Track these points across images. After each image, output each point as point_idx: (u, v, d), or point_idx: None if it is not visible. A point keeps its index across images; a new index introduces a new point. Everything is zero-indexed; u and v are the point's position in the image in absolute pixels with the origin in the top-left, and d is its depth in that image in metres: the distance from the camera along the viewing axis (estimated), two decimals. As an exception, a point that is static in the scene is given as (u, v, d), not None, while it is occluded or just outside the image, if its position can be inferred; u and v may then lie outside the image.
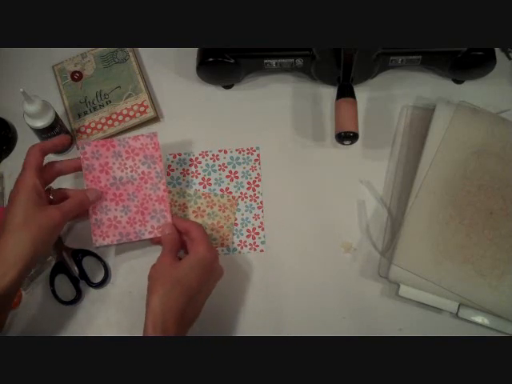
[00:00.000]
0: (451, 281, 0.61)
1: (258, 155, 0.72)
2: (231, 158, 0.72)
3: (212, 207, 0.69)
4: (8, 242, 0.55)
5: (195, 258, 0.58)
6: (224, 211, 0.68)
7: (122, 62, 0.77)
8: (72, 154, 0.73)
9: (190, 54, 0.72)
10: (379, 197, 0.69)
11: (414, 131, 0.71)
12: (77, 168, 0.64)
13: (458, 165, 0.66)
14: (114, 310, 0.65)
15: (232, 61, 0.70)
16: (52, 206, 0.59)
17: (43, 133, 0.68)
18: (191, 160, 0.72)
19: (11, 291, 0.56)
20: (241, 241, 0.67)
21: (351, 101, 0.66)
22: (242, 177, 0.71)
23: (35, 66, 0.79)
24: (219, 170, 0.71)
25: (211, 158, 0.72)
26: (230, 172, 0.71)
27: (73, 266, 0.66)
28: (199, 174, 0.71)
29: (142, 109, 0.74)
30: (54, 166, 0.63)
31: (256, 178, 0.70)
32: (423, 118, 0.71)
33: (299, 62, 0.71)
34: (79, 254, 0.66)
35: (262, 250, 0.67)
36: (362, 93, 0.72)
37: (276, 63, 0.71)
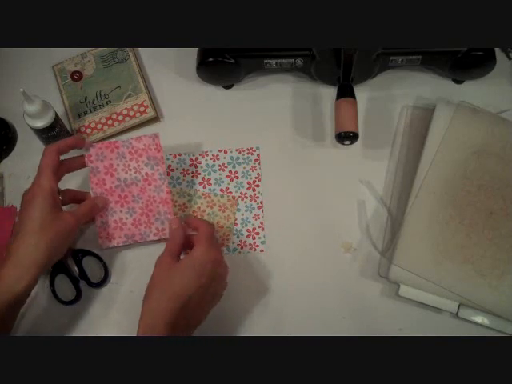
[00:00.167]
0: (451, 281, 0.61)
1: (258, 155, 0.72)
2: (231, 158, 0.72)
3: (212, 207, 0.69)
4: (24, 246, 0.56)
5: (190, 259, 0.57)
6: (224, 211, 0.68)
7: (122, 62, 0.77)
8: (72, 154, 0.73)
9: (190, 54, 0.72)
10: (379, 197, 0.69)
11: (414, 131, 0.71)
12: (83, 165, 0.65)
13: (458, 165, 0.66)
14: (114, 310, 0.65)
15: (232, 61, 0.70)
16: (67, 211, 0.60)
17: (43, 133, 0.68)
18: (191, 160, 0.72)
19: (25, 295, 0.56)
20: (241, 241, 0.67)
21: (351, 101, 0.66)
22: (242, 177, 0.71)
23: (35, 66, 0.79)
24: (219, 170, 0.71)
25: (211, 158, 0.72)
26: (230, 172, 0.71)
27: (73, 266, 0.66)
28: (199, 174, 0.71)
29: (141, 109, 0.74)
30: (63, 164, 0.63)
31: (256, 177, 0.70)
32: (423, 118, 0.71)
33: (299, 62, 0.71)
34: (79, 254, 0.66)
35: (262, 250, 0.67)
36: (362, 93, 0.72)
37: (276, 63, 0.71)
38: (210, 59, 0.70)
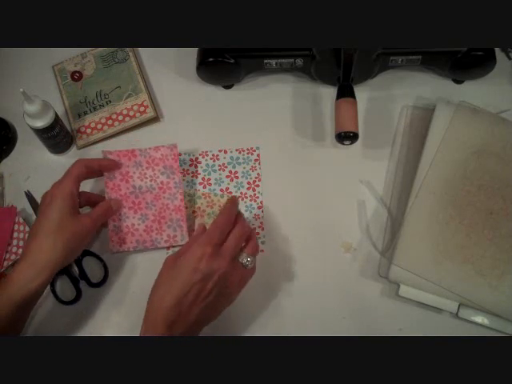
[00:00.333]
0: (451, 281, 0.61)
1: (258, 155, 0.72)
2: (231, 158, 0.72)
3: (212, 207, 0.69)
4: (42, 246, 0.57)
5: (185, 256, 0.56)
6: (224, 211, 0.68)
7: (122, 62, 0.77)
8: (72, 154, 0.73)
9: (190, 54, 0.72)
10: (379, 197, 0.69)
11: (414, 131, 0.71)
12: (101, 174, 0.66)
13: (458, 165, 0.66)
14: (114, 310, 0.65)
15: (232, 61, 0.70)
16: (83, 214, 0.61)
17: (43, 133, 0.68)
18: (191, 160, 0.72)
19: (38, 294, 0.57)
20: (241, 241, 0.67)
21: (351, 101, 0.66)
22: (242, 177, 0.71)
23: (35, 66, 0.79)
24: (219, 170, 0.71)
25: (211, 158, 0.72)
26: (230, 172, 0.71)
27: (73, 266, 0.66)
28: (199, 174, 0.71)
29: (142, 109, 0.74)
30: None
31: (256, 178, 0.70)
32: (423, 118, 0.71)
33: (299, 61, 0.71)
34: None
35: (262, 250, 0.67)
36: (362, 93, 0.72)
37: (276, 63, 0.71)
38: (210, 59, 0.70)
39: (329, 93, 0.74)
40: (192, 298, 0.55)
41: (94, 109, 0.75)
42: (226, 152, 0.72)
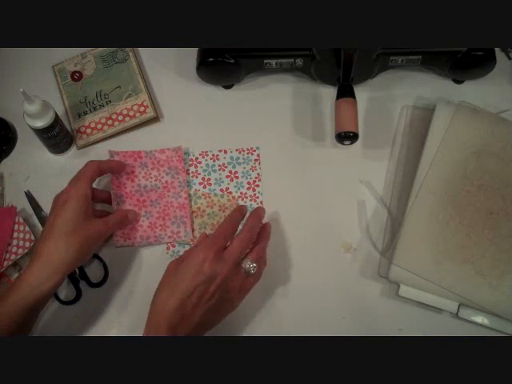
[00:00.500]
0: (451, 281, 0.61)
1: (258, 155, 0.72)
2: (231, 158, 0.72)
3: (212, 207, 0.69)
4: (55, 248, 0.57)
5: (189, 259, 0.56)
6: (224, 211, 0.68)
7: (122, 62, 0.77)
8: (72, 154, 0.73)
9: (190, 54, 0.72)
10: (379, 197, 0.69)
11: (413, 131, 0.71)
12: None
13: (458, 165, 0.66)
14: (114, 310, 0.65)
15: (232, 61, 0.70)
16: (98, 218, 0.62)
17: (43, 133, 0.68)
18: (191, 160, 0.72)
19: (49, 296, 0.58)
20: (241, 241, 0.67)
21: (351, 101, 0.66)
22: (242, 177, 0.71)
23: (35, 66, 0.79)
24: (219, 170, 0.71)
25: (211, 158, 0.72)
26: (230, 172, 0.71)
27: (73, 266, 0.66)
28: (199, 174, 0.71)
29: (142, 109, 0.74)
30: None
31: (256, 177, 0.70)
32: (423, 118, 0.71)
33: (299, 61, 0.71)
34: (79, 254, 0.66)
35: (262, 250, 0.67)
36: (362, 93, 0.72)
37: (276, 63, 0.71)
38: (210, 59, 0.70)
39: (329, 93, 0.74)
40: (195, 300, 0.55)
41: (94, 109, 0.75)
42: (226, 152, 0.72)
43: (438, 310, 0.62)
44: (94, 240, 0.60)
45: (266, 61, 0.71)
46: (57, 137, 0.69)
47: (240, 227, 0.61)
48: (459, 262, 0.62)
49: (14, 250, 0.65)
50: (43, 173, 0.72)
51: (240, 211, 0.62)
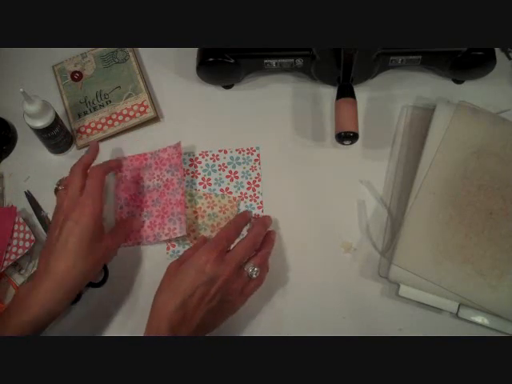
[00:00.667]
0: (451, 281, 0.61)
1: (258, 155, 0.72)
2: (231, 158, 0.72)
3: (213, 208, 0.69)
4: (69, 269, 0.56)
5: (191, 260, 0.57)
6: (224, 213, 0.68)
7: (122, 62, 0.77)
8: (72, 154, 0.73)
9: (190, 54, 0.72)
10: (379, 197, 0.69)
11: (413, 131, 0.71)
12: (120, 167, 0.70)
13: (458, 165, 0.66)
14: (115, 310, 0.65)
15: (232, 61, 0.70)
16: (108, 234, 0.62)
17: (43, 133, 0.68)
18: (191, 160, 0.72)
19: (61, 313, 0.58)
20: (241, 241, 0.67)
21: (351, 101, 0.66)
22: (242, 177, 0.71)
23: (35, 66, 0.79)
24: (219, 170, 0.71)
25: (211, 158, 0.72)
26: (230, 172, 0.71)
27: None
28: (199, 174, 0.71)
29: (142, 109, 0.74)
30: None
31: (256, 177, 0.70)
32: (423, 118, 0.71)
33: (299, 62, 0.71)
34: (79, 254, 0.66)
35: (261, 250, 0.67)
36: (362, 93, 0.72)
37: (276, 63, 0.71)
38: (210, 59, 0.70)
39: (329, 93, 0.74)
40: (196, 300, 0.55)
41: (94, 109, 0.75)
42: (225, 152, 0.72)
43: (438, 310, 0.62)
44: (105, 259, 0.63)
45: (266, 61, 0.71)
46: (57, 137, 0.69)
47: (243, 233, 0.62)
48: (459, 262, 0.62)
49: (14, 250, 0.65)
50: (43, 173, 0.72)
51: (244, 216, 0.63)
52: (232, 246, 0.59)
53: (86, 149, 0.73)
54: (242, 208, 0.69)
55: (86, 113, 0.75)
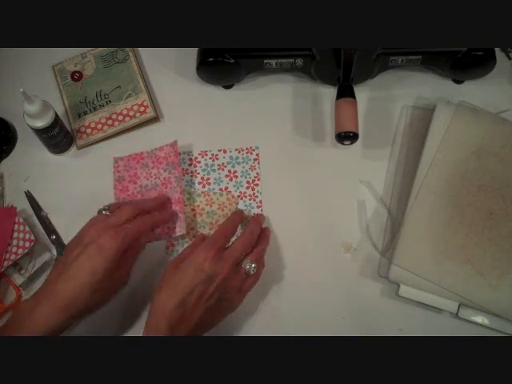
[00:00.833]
0: (451, 281, 0.61)
1: (258, 155, 0.72)
2: (230, 157, 0.72)
3: (211, 205, 0.69)
4: (79, 296, 0.55)
5: (190, 258, 0.57)
6: (223, 210, 0.68)
7: (122, 62, 0.77)
8: (72, 154, 0.73)
9: (190, 54, 0.72)
10: (379, 197, 0.69)
11: (413, 131, 0.71)
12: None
13: (458, 165, 0.66)
14: (115, 310, 0.65)
15: (232, 61, 0.70)
16: (122, 266, 0.60)
17: (43, 133, 0.68)
18: (190, 160, 0.72)
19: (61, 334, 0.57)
20: (241, 241, 0.67)
21: (351, 101, 0.66)
22: (241, 176, 0.71)
23: (35, 65, 0.79)
24: (218, 169, 0.71)
25: (210, 158, 0.72)
26: (230, 171, 0.71)
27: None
28: (198, 173, 0.71)
29: (141, 109, 0.74)
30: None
31: (255, 177, 0.70)
32: (423, 118, 0.71)
33: (299, 62, 0.71)
34: (79, 254, 0.66)
35: (261, 250, 0.67)
36: (361, 93, 0.72)
37: (276, 63, 0.71)
38: (210, 59, 0.70)
39: (329, 93, 0.74)
40: (195, 299, 0.55)
41: (94, 109, 0.75)
42: (225, 152, 0.72)
43: (438, 310, 0.62)
44: (116, 289, 0.63)
45: (266, 61, 0.71)
46: (57, 137, 0.69)
47: (238, 231, 0.63)
48: (459, 262, 0.62)
49: (14, 250, 0.65)
50: (43, 173, 0.72)
51: (239, 215, 0.64)
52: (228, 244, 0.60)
53: (85, 149, 0.74)
54: (241, 206, 0.69)
55: (86, 113, 0.75)
